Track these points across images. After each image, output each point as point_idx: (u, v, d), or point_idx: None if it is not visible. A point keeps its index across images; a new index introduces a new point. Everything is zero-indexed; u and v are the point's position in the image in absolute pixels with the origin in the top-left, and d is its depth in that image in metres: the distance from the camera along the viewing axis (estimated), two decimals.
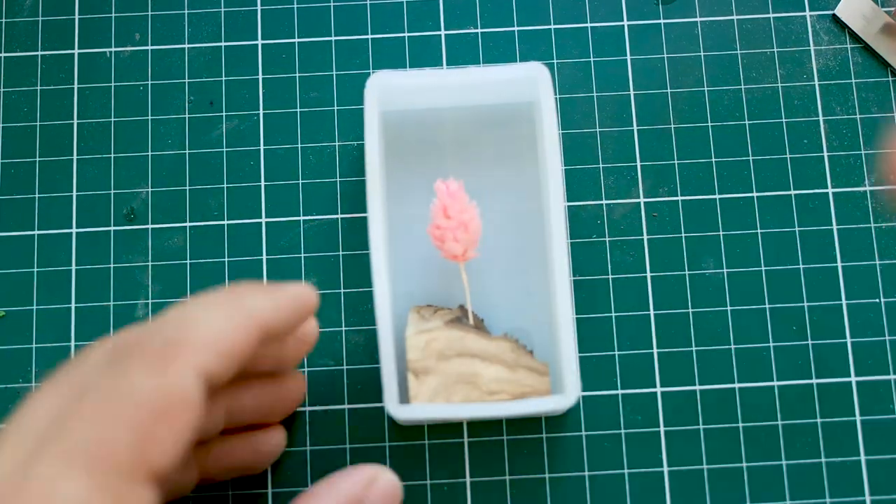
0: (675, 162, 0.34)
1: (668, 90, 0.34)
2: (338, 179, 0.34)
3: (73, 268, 0.33)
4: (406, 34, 0.35)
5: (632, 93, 0.34)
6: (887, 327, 0.33)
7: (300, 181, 0.34)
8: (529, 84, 0.31)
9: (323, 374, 0.32)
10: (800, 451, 0.32)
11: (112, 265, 0.33)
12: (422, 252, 0.32)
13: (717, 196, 0.34)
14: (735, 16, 0.35)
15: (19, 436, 0.22)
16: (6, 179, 0.34)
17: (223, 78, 0.35)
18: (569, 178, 0.34)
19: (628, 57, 0.35)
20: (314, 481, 0.31)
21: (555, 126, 0.30)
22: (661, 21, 0.35)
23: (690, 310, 0.33)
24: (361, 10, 0.35)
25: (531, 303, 0.32)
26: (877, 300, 0.33)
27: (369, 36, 0.35)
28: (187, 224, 0.33)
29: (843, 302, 0.33)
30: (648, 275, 0.33)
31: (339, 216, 0.34)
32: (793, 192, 0.34)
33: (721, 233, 0.33)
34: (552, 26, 0.35)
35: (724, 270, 0.33)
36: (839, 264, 0.33)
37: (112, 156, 0.34)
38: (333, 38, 0.35)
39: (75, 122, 0.34)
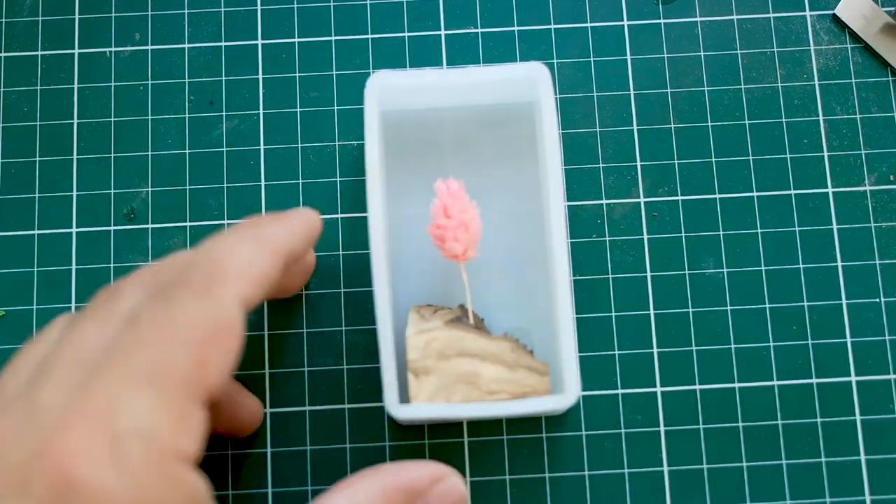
0: (675, 162, 0.34)
1: (668, 90, 0.34)
2: (338, 179, 0.34)
3: (73, 267, 0.33)
4: (406, 34, 0.35)
5: (632, 92, 0.34)
6: (887, 327, 0.33)
7: (300, 181, 0.34)
8: (530, 84, 0.31)
9: (323, 374, 0.32)
10: (800, 451, 0.32)
11: (112, 265, 0.33)
12: (422, 252, 0.32)
13: (717, 196, 0.34)
14: (735, 16, 0.35)
15: (71, 361, 0.22)
16: (6, 179, 0.34)
17: (223, 78, 0.35)
18: (569, 178, 0.34)
19: (628, 57, 0.35)
20: (314, 481, 0.31)
21: (555, 126, 0.30)
22: (661, 21, 0.35)
23: (690, 309, 0.33)
24: (361, 10, 0.35)
25: (531, 303, 0.32)
26: (877, 300, 0.33)
27: (369, 36, 0.35)
28: (187, 224, 0.33)
29: (843, 302, 0.33)
30: (648, 274, 0.33)
31: (339, 216, 0.34)
32: (793, 192, 0.34)
33: (721, 232, 0.33)
34: (552, 26, 0.35)
35: (724, 270, 0.33)
36: (839, 264, 0.33)
37: (112, 155, 0.34)
38: (333, 38, 0.35)
39: (75, 121, 0.34)
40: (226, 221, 0.33)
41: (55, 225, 0.33)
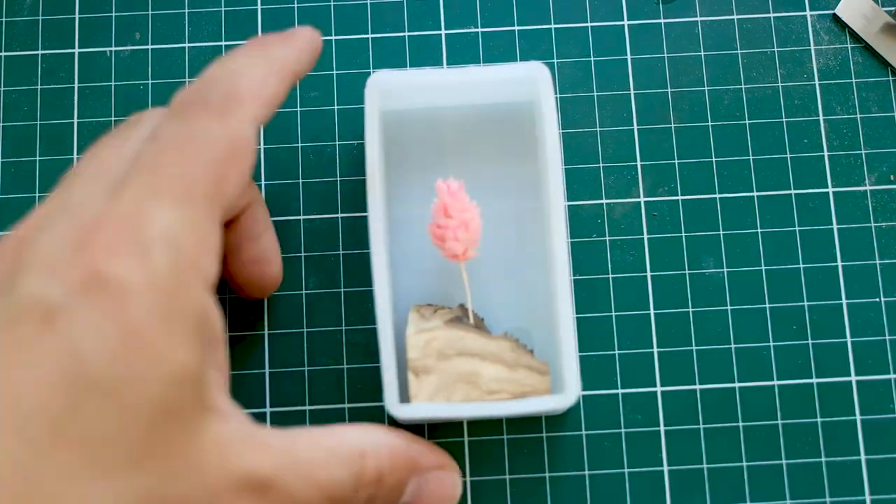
0: (676, 161, 0.34)
1: (669, 89, 0.34)
2: (338, 179, 0.34)
3: None
4: (406, 33, 0.35)
5: (632, 92, 0.34)
6: (887, 327, 0.33)
7: (300, 181, 0.34)
8: (530, 83, 0.31)
9: (323, 374, 0.32)
10: (800, 451, 0.32)
11: None
12: (422, 251, 0.32)
13: (717, 195, 0.34)
14: (735, 15, 0.35)
15: (93, 175, 0.24)
16: (6, 179, 0.34)
17: None
18: (569, 178, 0.34)
19: (628, 56, 0.35)
20: None
21: (555, 125, 0.30)
22: (662, 20, 0.35)
23: (690, 309, 0.33)
24: (361, 10, 0.35)
25: (531, 302, 0.32)
26: (877, 299, 0.33)
27: (369, 35, 0.35)
28: None
29: (844, 301, 0.33)
30: (648, 274, 0.33)
31: (340, 215, 0.34)
32: (793, 192, 0.34)
33: (721, 232, 0.33)
34: (552, 26, 0.35)
35: (725, 270, 0.33)
36: (839, 264, 0.33)
37: None
38: (333, 38, 0.35)
39: (75, 121, 0.34)
40: None
41: None
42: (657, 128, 0.34)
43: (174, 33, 0.35)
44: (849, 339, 0.32)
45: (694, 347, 0.32)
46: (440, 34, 0.35)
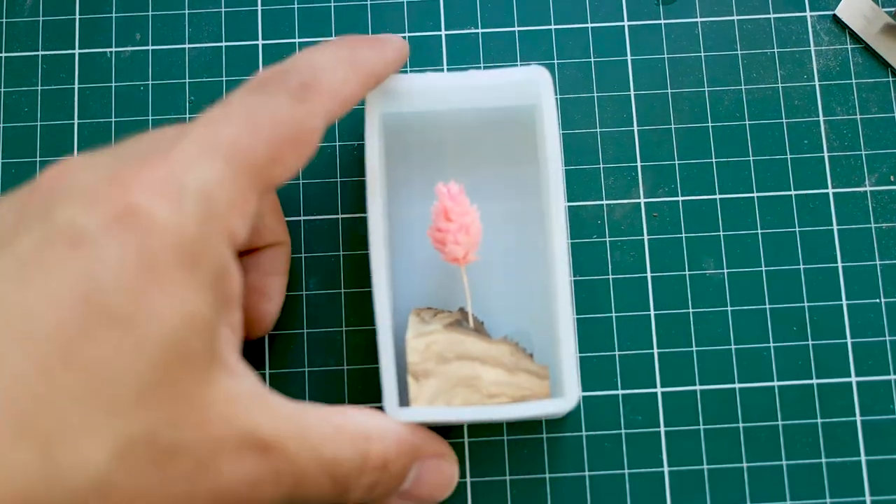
0: (676, 162, 0.34)
1: (669, 90, 0.34)
2: (338, 179, 0.34)
3: None
4: (406, 34, 0.35)
5: (632, 93, 0.34)
6: (887, 327, 0.33)
7: (300, 181, 0.34)
8: (531, 87, 0.31)
9: (323, 374, 0.32)
10: (800, 452, 0.32)
11: None
12: (422, 254, 0.32)
13: (717, 196, 0.34)
14: (735, 16, 0.35)
15: (162, 131, 0.25)
16: (6, 179, 0.34)
17: (224, 78, 0.35)
18: (569, 178, 0.34)
19: (629, 57, 0.35)
20: None
21: (556, 129, 0.30)
22: (662, 21, 0.35)
23: (691, 310, 0.33)
24: (362, 11, 0.35)
25: (532, 305, 0.32)
26: (877, 300, 0.33)
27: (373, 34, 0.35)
28: None
29: (844, 302, 0.33)
30: (649, 275, 0.33)
31: (340, 216, 0.34)
32: (793, 193, 0.34)
33: (721, 233, 0.33)
34: (552, 27, 0.35)
35: (725, 270, 0.33)
36: (839, 264, 0.33)
37: None
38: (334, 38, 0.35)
39: (76, 122, 0.34)
40: None
41: None
42: (657, 128, 0.34)
43: (174, 34, 0.35)
44: (849, 340, 0.32)
45: (694, 348, 0.32)
46: (440, 35, 0.35)
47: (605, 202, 0.34)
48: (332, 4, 0.35)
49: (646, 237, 0.33)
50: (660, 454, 0.32)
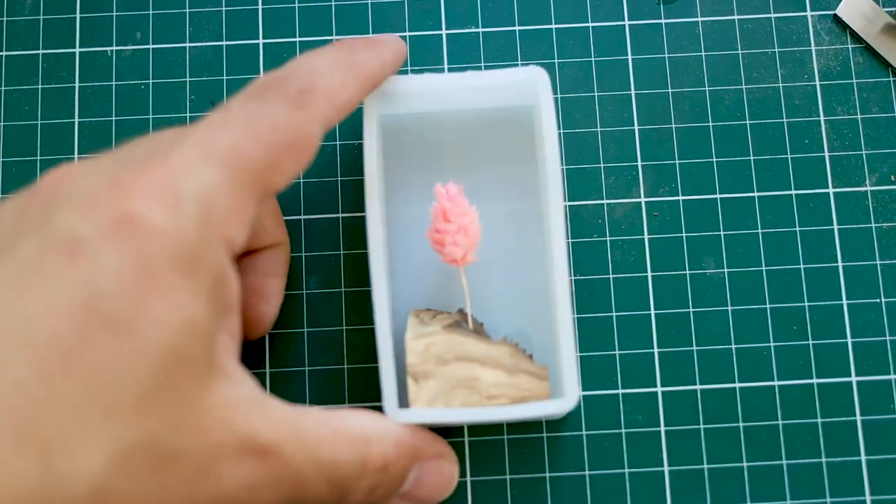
0: (676, 161, 0.34)
1: (670, 90, 0.34)
2: (338, 179, 0.34)
3: None
4: (407, 33, 0.35)
5: (633, 92, 0.34)
6: (888, 327, 0.33)
7: (301, 180, 0.34)
8: (529, 87, 0.31)
9: (323, 373, 0.32)
10: (800, 451, 0.32)
11: None
12: (421, 255, 0.32)
13: (717, 196, 0.34)
14: (736, 16, 0.35)
15: (161, 134, 0.25)
16: (7, 178, 0.34)
17: (224, 77, 0.35)
18: (570, 178, 0.34)
19: (629, 56, 0.35)
20: None
21: (554, 130, 0.30)
22: (663, 21, 0.35)
23: (691, 309, 0.33)
24: (362, 10, 0.35)
25: (531, 306, 0.32)
26: (877, 300, 0.33)
27: (373, 35, 0.35)
28: None
29: (844, 302, 0.33)
30: (649, 274, 0.33)
31: (340, 215, 0.34)
32: (793, 192, 0.34)
33: (722, 232, 0.33)
34: (553, 26, 0.35)
35: (725, 270, 0.33)
36: (840, 264, 0.33)
37: None
38: (335, 38, 0.35)
39: (76, 120, 0.34)
40: None
41: None
42: (658, 128, 0.34)
43: (175, 33, 0.35)
44: (849, 340, 0.32)
45: (694, 347, 0.32)
46: (441, 34, 0.35)
47: (605, 201, 0.34)
48: (333, 3, 0.35)
49: (646, 236, 0.33)
50: (660, 454, 0.32)
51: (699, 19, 0.35)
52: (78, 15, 0.35)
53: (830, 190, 0.34)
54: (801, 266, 0.33)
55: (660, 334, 0.33)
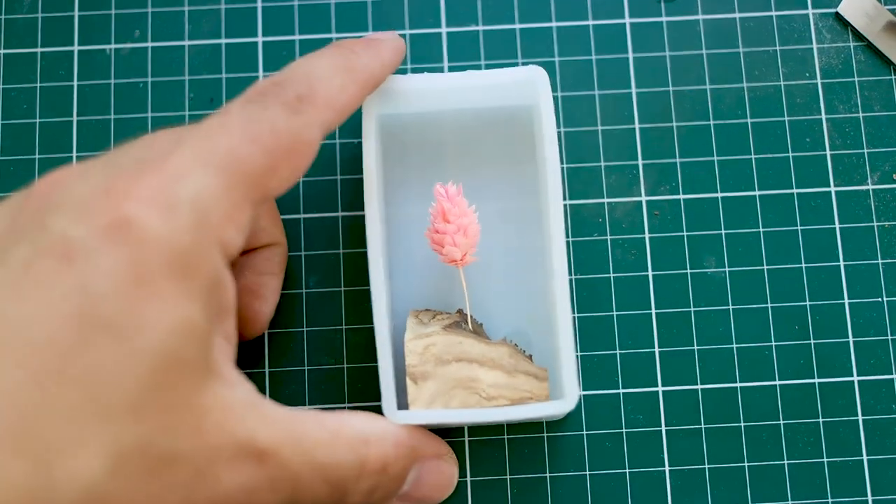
0: (677, 160, 0.34)
1: (670, 88, 0.34)
2: (338, 178, 0.34)
3: None
4: (407, 31, 0.35)
5: (633, 91, 0.34)
6: (889, 326, 0.32)
7: (300, 179, 0.34)
8: (528, 87, 0.30)
9: (323, 373, 0.32)
10: (802, 451, 0.32)
11: None
12: (420, 255, 0.32)
13: (719, 194, 0.33)
14: (737, 14, 0.35)
15: (157, 135, 0.24)
16: (5, 177, 0.34)
17: (223, 75, 0.34)
18: (570, 177, 0.34)
19: (630, 55, 0.35)
20: None
21: (553, 129, 0.29)
22: (663, 19, 0.35)
23: (692, 308, 0.33)
24: (362, 7, 0.35)
25: (531, 306, 0.32)
26: (879, 299, 0.33)
27: (370, 33, 0.35)
28: None
29: (846, 301, 0.33)
30: (650, 273, 0.33)
31: (340, 214, 0.33)
32: (795, 191, 0.34)
33: (723, 231, 0.33)
34: (553, 24, 0.35)
35: (726, 269, 0.33)
36: (841, 263, 0.33)
37: None
38: (334, 36, 0.35)
39: (75, 119, 0.34)
40: None
41: None
42: (659, 126, 0.34)
43: (174, 30, 0.35)
44: (851, 339, 0.32)
45: (695, 347, 0.32)
46: (441, 32, 0.35)
47: (606, 200, 0.33)
48: (333, 2, 0.35)
49: (647, 235, 0.33)
50: (661, 453, 0.32)
51: (700, 17, 0.35)
52: (76, 13, 0.35)
53: (832, 188, 0.34)
54: (803, 265, 0.33)
55: (660, 333, 0.32)
